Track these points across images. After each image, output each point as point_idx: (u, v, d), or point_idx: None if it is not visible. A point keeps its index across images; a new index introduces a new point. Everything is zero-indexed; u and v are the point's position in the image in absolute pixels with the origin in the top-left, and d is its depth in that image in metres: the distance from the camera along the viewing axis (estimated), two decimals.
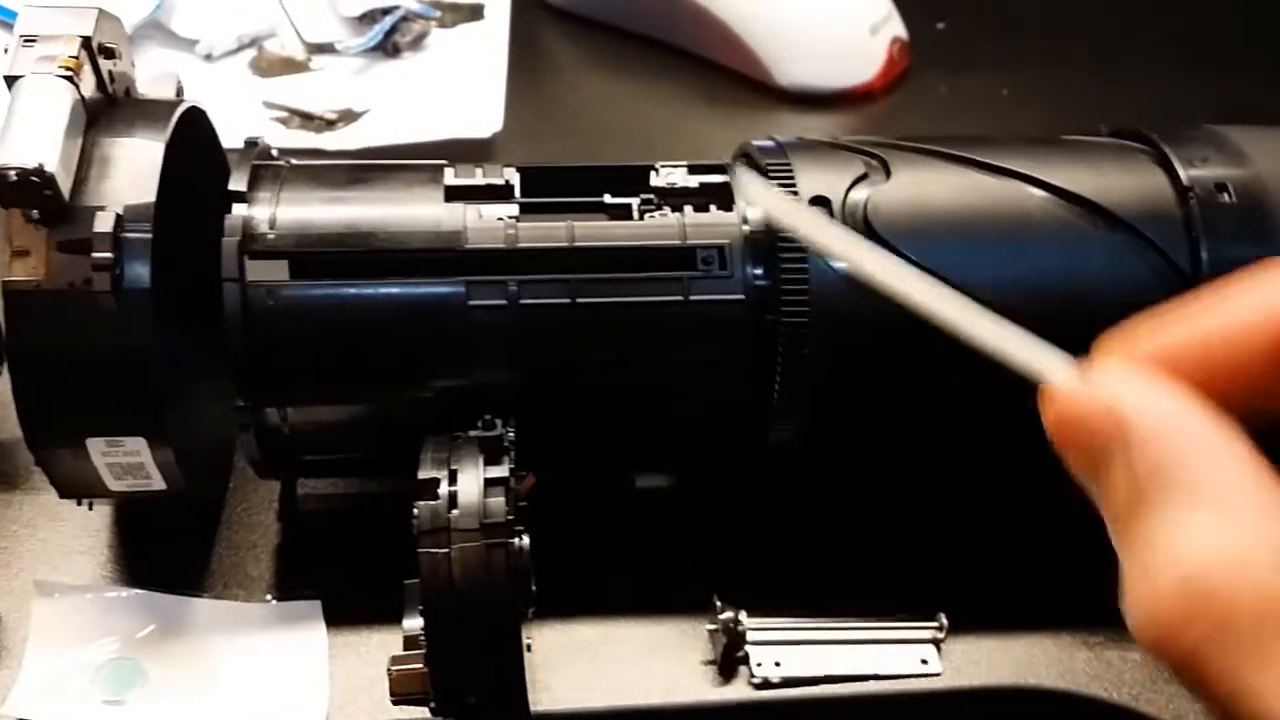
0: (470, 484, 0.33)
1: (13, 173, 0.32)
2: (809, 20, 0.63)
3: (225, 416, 0.43)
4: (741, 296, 0.37)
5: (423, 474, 0.34)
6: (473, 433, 0.35)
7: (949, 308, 0.22)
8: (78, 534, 0.41)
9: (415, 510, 0.33)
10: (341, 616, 0.39)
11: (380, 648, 0.38)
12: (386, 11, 0.62)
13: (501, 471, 0.34)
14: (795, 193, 0.38)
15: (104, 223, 0.33)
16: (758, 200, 0.24)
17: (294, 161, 0.39)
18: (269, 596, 0.39)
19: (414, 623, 0.36)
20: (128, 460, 0.35)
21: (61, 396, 0.34)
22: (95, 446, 0.35)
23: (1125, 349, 0.21)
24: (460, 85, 0.61)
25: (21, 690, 0.36)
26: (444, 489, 0.33)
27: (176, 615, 0.38)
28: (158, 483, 0.36)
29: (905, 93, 0.65)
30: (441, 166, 0.39)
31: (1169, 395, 0.19)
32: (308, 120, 0.59)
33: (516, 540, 0.32)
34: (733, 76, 0.64)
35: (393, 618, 0.37)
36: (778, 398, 0.37)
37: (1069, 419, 0.20)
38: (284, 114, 0.59)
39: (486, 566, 0.32)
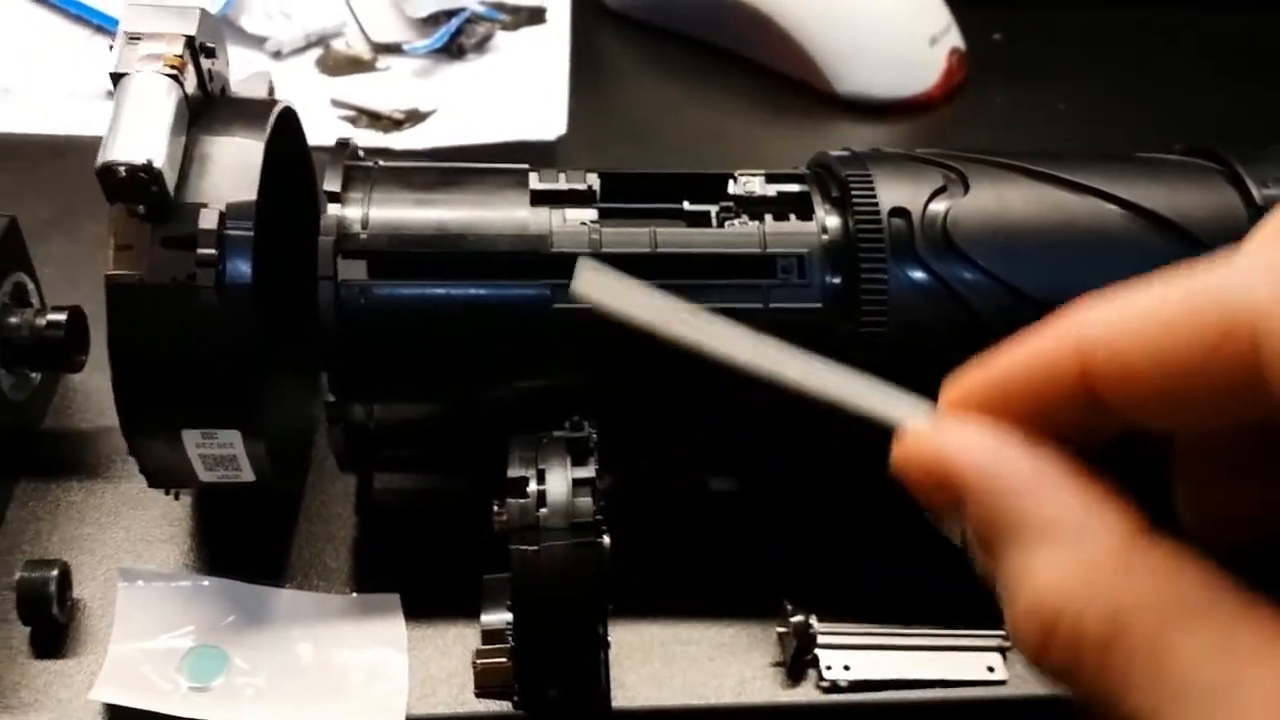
0: (559, 484, 0.34)
1: (122, 169, 0.32)
2: (870, 30, 0.64)
3: (304, 410, 0.44)
4: (820, 305, 0.38)
5: (512, 472, 0.34)
6: (558, 433, 0.36)
7: (801, 368, 0.23)
8: (160, 523, 0.42)
9: (505, 508, 0.34)
10: (419, 609, 0.39)
11: (457, 641, 0.39)
12: (452, 14, 0.63)
13: (588, 472, 0.34)
14: (875, 204, 0.38)
15: (208, 220, 0.33)
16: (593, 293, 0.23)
17: (381, 163, 0.40)
18: (349, 588, 0.40)
19: (494, 617, 0.37)
20: (220, 452, 0.36)
21: (160, 389, 0.35)
22: (190, 438, 0.35)
23: (956, 391, 0.22)
24: (524, 88, 0.62)
25: (107, 676, 0.36)
26: (533, 487, 0.34)
27: (259, 604, 0.39)
28: (247, 474, 0.37)
29: (963, 104, 0.65)
30: (525, 171, 0.40)
31: (989, 442, 0.21)
32: (375, 120, 0.60)
33: (602, 540, 0.33)
34: (790, 83, 0.65)
35: (469, 612, 0.39)
36: None
37: (907, 469, 0.21)
38: (352, 113, 0.60)
39: (574, 565, 0.33)
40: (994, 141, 0.62)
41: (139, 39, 0.35)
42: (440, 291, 0.37)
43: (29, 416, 0.43)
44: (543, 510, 0.33)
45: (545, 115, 0.60)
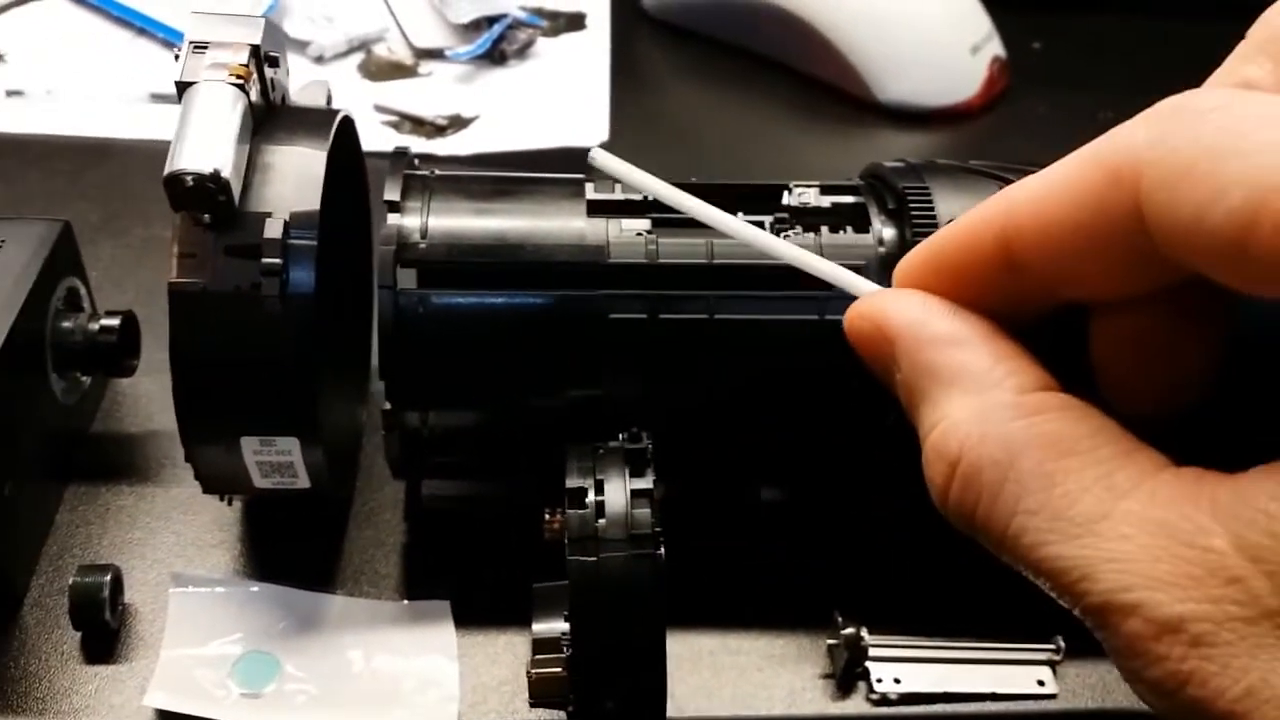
0: (617, 495, 0.34)
1: (189, 178, 0.33)
2: (911, 38, 0.63)
3: (352, 416, 0.44)
4: None
5: (571, 483, 0.34)
6: (614, 444, 0.36)
7: (783, 247, 0.29)
8: (211, 528, 0.42)
9: (564, 518, 0.34)
10: (468, 616, 0.40)
11: (507, 649, 0.39)
12: (494, 20, 0.63)
13: (646, 483, 0.34)
14: (933, 215, 0.38)
15: (274, 229, 0.34)
16: (609, 168, 0.29)
17: (438, 172, 0.40)
18: (398, 595, 0.40)
19: (546, 626, 0.37)
20: (278, 459, 0.36)
21: (220, 396, 0.35)
22: (248, 445, 0.36)
23: (903, 266, 0.25)
24: (566, 94, 0.62)
25: (160, 682, 0.37)
26: (591, 498, 0.34)
27: (310, 611, 0.39)
28: (302, 481, 0.37)
29: (1004, 113, 0.65)
30: (581, 181, 0.40)
31: (918, 303, 0.23)
32: (419, 125, 0.60)
33: (659, 552, 0.33)
34: (828, 90, 0.65)
35: (519, 620, 0.39)
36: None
37: (853, 334, 0.25)
38: (395, 118, 0.60)
39: (632, 576, 0.33)
40: (1037, 151, 0.62)
41: (205, 48, 0.35)
42: (498, 301, 0.37)
43: (79, 420, 0.44)
44: (601, 521, 0.33)
45: (588, 121, 0.60)
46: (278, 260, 0.33)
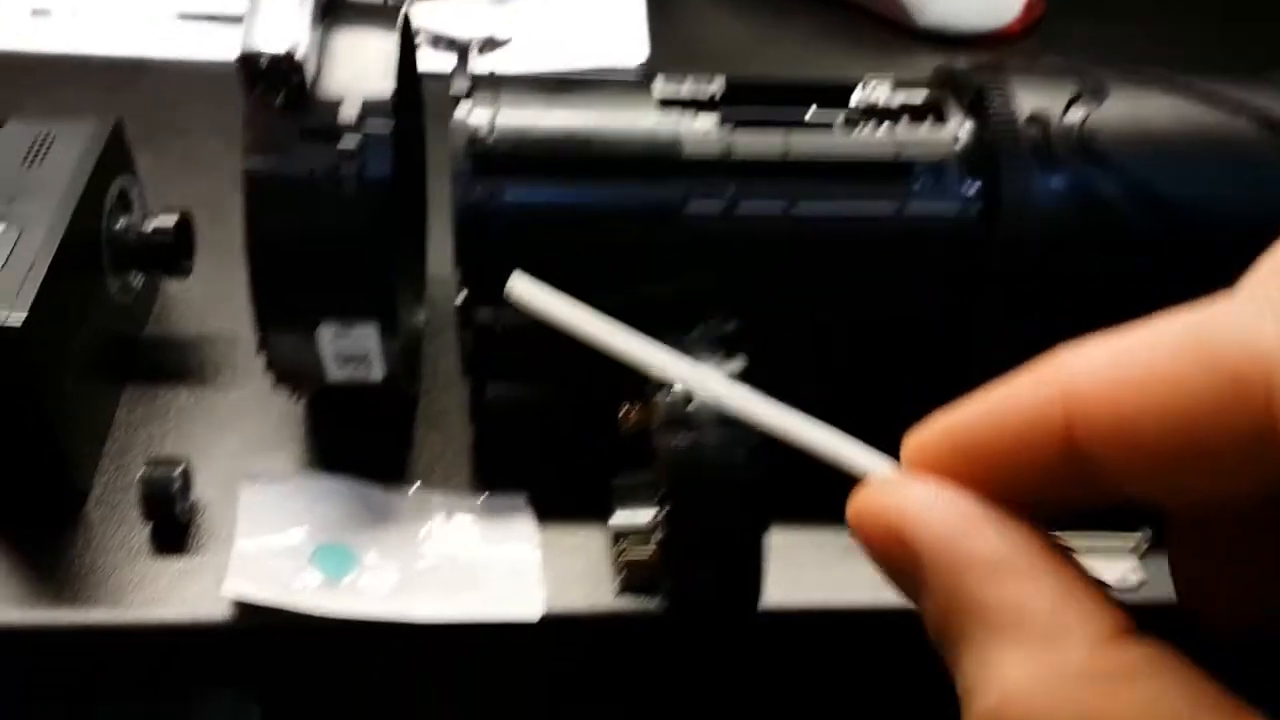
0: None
1: (264, 58, 0.32)
2: None
3: (413, 315, 0.43)
4: (957, 212, 0.37)
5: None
6: (696, 332, 0.35)
7: (761, 409, 0.22)
8: (275, 428, 0.41)
9: (651, 404, 0.33)
10: (543, 513, 0.39)
11: (585, 541, 0.38)
12: None
13: (736, 365, 0.34)
14: (1012, 109, 0.38)
15: (349, 111, 0.33)
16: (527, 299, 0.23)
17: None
18: (472, 492, 0.39)
19: (629, 517, 0.37)
20: (355, 348, 0.35)
21: (298, 281, 0.34)
22: (325, 333, 0.35)
23: (918, 442, 0.20)
24: (600, 15, 0.61)
25: (237, 571, 0.36)
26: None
27: (384, 505, 0.38)
28: (376, 373, 0.36)
29: (1041, 37, 0.65)
30: (648, 78, 0.39)
31: (953, 507, 0.18)
32: (452, 46, 0.59)
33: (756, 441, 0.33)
34: (863, 15, 0.64)
35: (595, 514, 0.38)
36: (982, 317, 0.38)
37: (864, 532, 0.19)
38: (429, 39, 0.59)
39: (728, 458, 0.32)
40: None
41: None
42: (571, 195, 0.37)
43: (133, 322, 0.43)
44: (692, 404, 0.33)
45: (626, 42, 0.59)
46: (355, 144, 0.33)
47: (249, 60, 0.32)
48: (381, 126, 0.34)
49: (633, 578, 0.34)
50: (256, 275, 0.34)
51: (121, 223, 0.40)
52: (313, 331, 0.35)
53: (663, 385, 0.33)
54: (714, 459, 0.32)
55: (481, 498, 0.39)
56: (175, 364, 0.42)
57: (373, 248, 0.34)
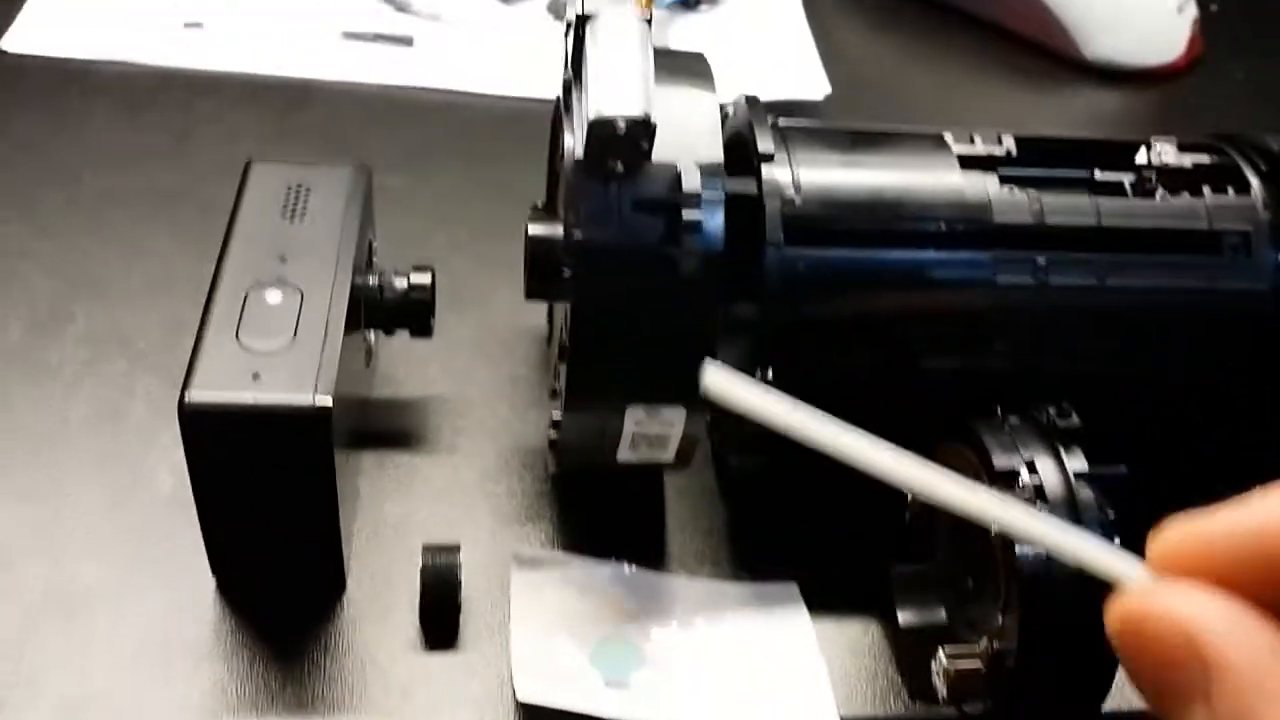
0: (1054, 476, 0.32)
1: (621, 122, 0.29)
2: None
3: None
4: (1266, 286, 0.36)
5: (999, 462, 0.32)
6: (1023, 419, 0.33)
7: (1002, 512, 0.20)
8: (521, 500, 0.39)
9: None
10: (814, 600, 0.37)
11: (865, 636, 0.36)
12: None
13: (1082, 464, 0.32)
14: None
15: (692, 180, 0.30)
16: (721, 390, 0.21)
17: (782, 121, 0.37)
18: (734, 576, 0.37)
19: (925, 616, 0.35)
20: (657, 431, 0.33)
21: (620, 361, 0.32)
22: (633, 415, 0.33)
23: (1173, 542, 0.19)
24: (768, 44, 0.59)
25: (523, 670, 0.33)
26: (1026, 479, 0.31)
27: (655, 591, 0.36)
28: (668, 454, 0.34)
29: (1202, 75, 0.63)
30: (939, 133, 0.37)
31: (1257, 630, 0.18)
32: None
33: (1115, 540, 0.31)
34: (1025, 45, 0.63)
35: (870, 605, 0.36)
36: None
37: (1136, 635, 0.18)
38: None
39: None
40: (1242, 117, 0.60)
41: None
42: (880, 260, 0.35)
43: (370, 386, 0.40)
44: (1044, 507, 0.31)
45: (805, 74, 0.57)
46: (699, 215, 0.30)
47: (603, 126, 0.29)
48: (716, 196, 0.31)
49: (963, 687, 0.32)
50: (579, 354, 0.31)
51: (373, 280, 0.37)
52: (621, 412, 0.33)
53: (1007, 483, 0.31)
54: (1072, 573, 0.30)
55: (752, 586, 0.37)
56: (405, 427, 0.40)
57: (700, 327, 0.31)
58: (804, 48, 0.58)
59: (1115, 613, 0.19)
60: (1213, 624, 0.18)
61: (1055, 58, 0.62)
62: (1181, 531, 0.19)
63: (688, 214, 0.30)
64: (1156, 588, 0.19)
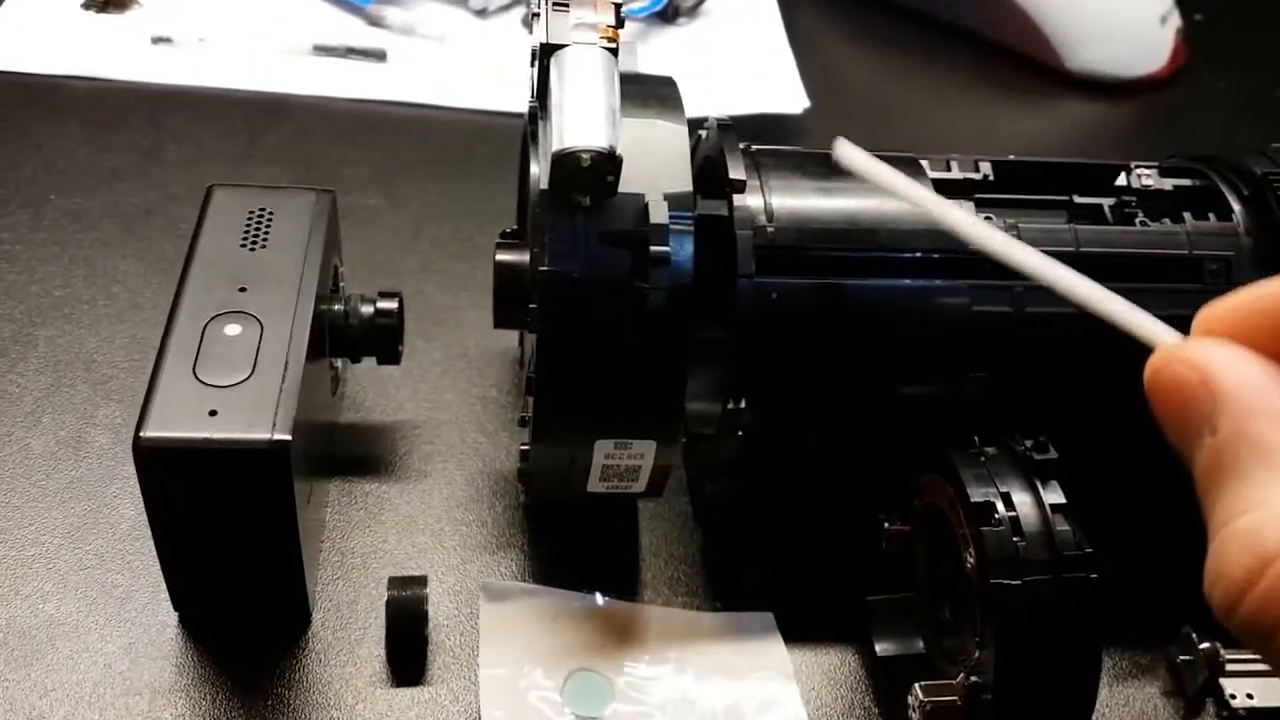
0: (1030, 509, 0.31)
1: (585, 155, 0.29)
2: (1104, 6, 0.61)
3: None
4: None
5: (973, 494, 0.31)
6: (997, 449, 0.33)
7: (1066, 276, 0.24)
8: (490, 529, 0.38)
9: (976, 536, 0.31)
10: (789, 630, 0.36)
11: (842, 667, 0.36)
12: None
13: (1059, 497, 0.31)
14: None
15: (659, 213, 0.30)
16: (858, 166, 0.25)
17: (755, 146, 0.37)
18: (708, 606, 0.37)
19: (901, 646, 0.35)
20: (627, 463, 0.33)
21: (588, 394, 0.31)
22: (602, 448, 0.32)
23: (1208, 317, 0.21)
24: (748, 58, 0.58)
25: (492, 708, 0.33)
26: (1002, 512, 0.31)
27: (627, 621, 0.36)
28: (639, 486, 0.34)
29: (1185, 86, 0.63)
30: (915, 158, 0.37)
31: (1254, 364, 0.20)
32: None
33: (1093, 576, 0.30)
34: (1007, 56, 0.62)
35: (845, 634, 0.36)
36: None
37: (1163, 381, 0.21)
38: None
39: (1064, 603, 0.30)
40: (1223, 127, 0.60)
41: (566, 6, 0.31)
42: (855, 290, 0.34)
43: (337, 413, 0.40)
44: (1020, 541, 0.30)
45: (784, 88, 0.56)
46: (667, 248, 0.30)
47: (567, 159, 0.29)
48: (685, 226, 0.31)
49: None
50: (546, 388, 0.31)
51: (338, 306, 0.36)
52: (590, 445, 0.32)
53: (983, 516, 0.31)
54: (1049, 605, 0.30)
55: (726, 615, 0.36)
56: (373, 454, 0.39)
57: (669, 361, 0.31)
58: (783, 61, 0.58)
59: (1149, 367, 0.21)
60: (1220, 359, 0.20)
61: (1038, 68, 0.61)
62: (1221, 303, 0.21)
63: (655, 248, 0.30)
64: (1183, 342, 0.21)
